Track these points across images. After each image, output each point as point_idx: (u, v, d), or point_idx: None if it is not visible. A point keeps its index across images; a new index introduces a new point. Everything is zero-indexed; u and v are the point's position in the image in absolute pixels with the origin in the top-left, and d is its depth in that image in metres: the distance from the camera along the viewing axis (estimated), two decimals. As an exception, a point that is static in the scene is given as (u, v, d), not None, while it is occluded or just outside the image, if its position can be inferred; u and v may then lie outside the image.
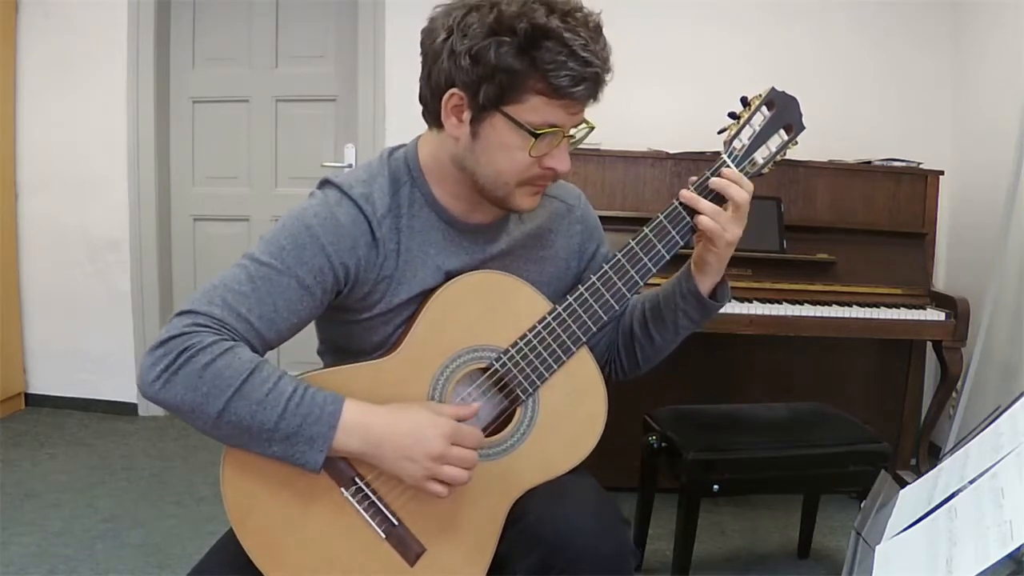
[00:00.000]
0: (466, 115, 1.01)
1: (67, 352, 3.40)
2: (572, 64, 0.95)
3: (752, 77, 2.98)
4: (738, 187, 1.07)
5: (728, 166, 1.09)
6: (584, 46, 0.95)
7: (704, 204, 1.06)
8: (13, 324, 3.35)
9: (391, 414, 0.99)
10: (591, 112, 1.05)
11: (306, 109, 3.41)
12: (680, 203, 1.08)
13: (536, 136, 0.99)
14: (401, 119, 3.12)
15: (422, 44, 1.04)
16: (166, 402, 0.95)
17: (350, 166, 3.26)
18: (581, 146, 1.07)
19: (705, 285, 1.14)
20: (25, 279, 3.40)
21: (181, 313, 0.97)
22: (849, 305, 2.42)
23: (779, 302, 2.40)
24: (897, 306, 2.44)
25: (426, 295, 1.08)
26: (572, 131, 1.03)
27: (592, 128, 1.05)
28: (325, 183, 1.09)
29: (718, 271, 1.13)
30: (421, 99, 1.07)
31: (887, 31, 3.03)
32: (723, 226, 1.06)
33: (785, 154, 1.13)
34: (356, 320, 1.09)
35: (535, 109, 0.98)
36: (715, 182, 1.07)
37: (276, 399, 0.95)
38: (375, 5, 3.16)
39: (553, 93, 0.97)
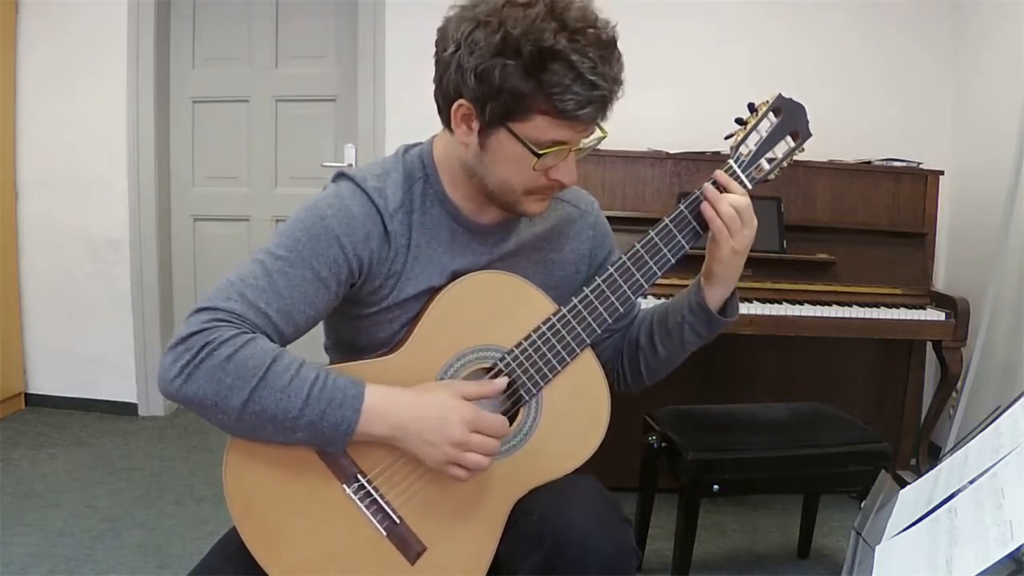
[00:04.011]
0: (475, 124, 1.01)
1: (67, 352, 3.40)
2: (577, 88, 0.94)
3: (752, 77, 3.02)
4: (719, 209, 1.06)
5: (735, 172, 1.09)
6: (592, 68, 0.93)
7: (724, 207, 1.06)
8: (13, 324, 3.35)
9: (414, 397, 1.00)
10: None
11: (306, 109, 3.42)
12: (686, 208, 1.09)
13: (539, 156, 0.99)
14: (401, 119, 3.13)
15: (436, 46, 1.03)
16: (188, 398, 0.94)
17: (350, 166, 3.26)
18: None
19: (714, 298, 1.14)
20: (25, 279, 3.40)
21: (199, 310, 0.97)
22: (849, 305, 2.42)
23: (779, 302, 2.40)
24: (897, 306, 2.44)
25: (432, 293, 1.08)
26: (582, 142, 1.03)
27: (604, 136, 1.04)
28: (339, 176, 1.10)
29: (727, 283, 1.13)
30: (435, 100, 1.07)
31: (887, 31, 3.03)
32: (730, 230, 1.06)
33: (791, 161, 1.13)
34: (363, 315, 1.09)
35: (540, 128, 0.98)
36: (704, 208, 1.07)
37: (299, 386, 0.95)
38: (375, 5, 3.16)
39: (558, 115, 0.96)
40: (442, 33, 1.02)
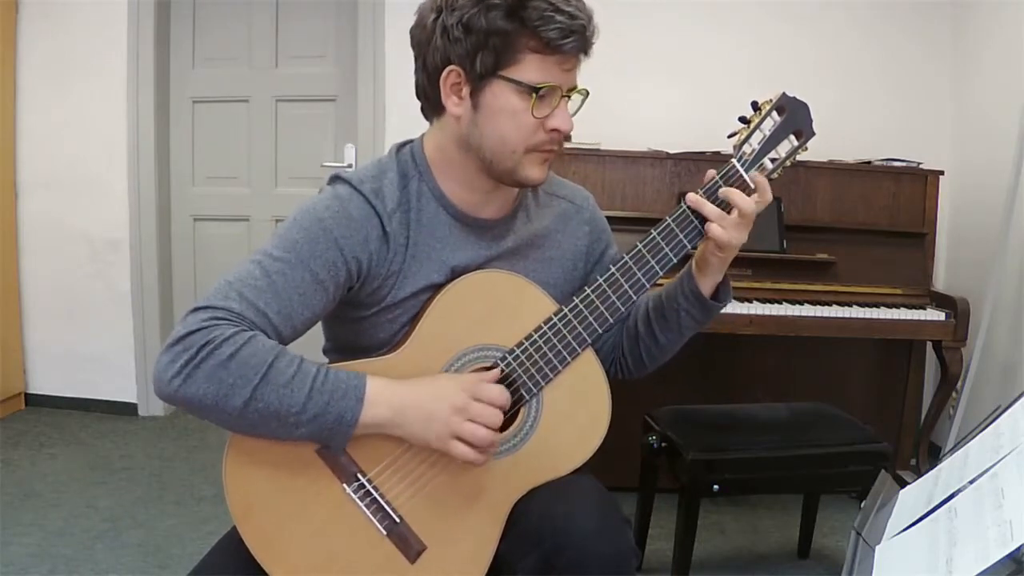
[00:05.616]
0: (465, 90, 1.03)
1: (67, 352, 3.40)
2: (559, 18, 0.99)
3: (752, 77, 3.02)
4: (742, 196, 1.07)
5: (738, 170, 1.09)
6: (567, 1, 1.00)
7: (709, 208, 1.07)
8: (13, 324, 3.35)
9: (415, 383, 1.01)
10: (585, 80, 1.08)
11: (306, 109, 3.42)
12: (688, 207, 1.09)
13: (536, 91, 1.01)
14: (401, 119, 3.13)
15: (413, 37, 1.07)
16: (187, 398, 0.94)
17: (350, 166, 3.26)
18: (581, 146, 1.08)
19: (707, 286, 1.14)
20: (25, 279, 3.40)
21: (197, 309, 0.96)
22: (849, 305, 2.42)
23: (779, 302, 2.40)
24: (897, 306, 2.44)
25: (432, 291, 1.09)
26: (570, 93, 1.05)
27: (587, 94, 1.08)
28: (335, 179, 1.10)
29: (720, 272, 1.14)
30: (419, 91, 1.09)
31: (887, 31, 3.03)
32: (728, 232, 1.07)
33: (795, 160, 1.13)
34: (362, 316, 1.10)
35: (531, 67, 1.01)
36: (723, 192, 1.07)
37: (302, 380, 0.96)
38: (375, 5, 3.16)
39: (545, 48, 1.00)
40: (418, 19, 1.06)
